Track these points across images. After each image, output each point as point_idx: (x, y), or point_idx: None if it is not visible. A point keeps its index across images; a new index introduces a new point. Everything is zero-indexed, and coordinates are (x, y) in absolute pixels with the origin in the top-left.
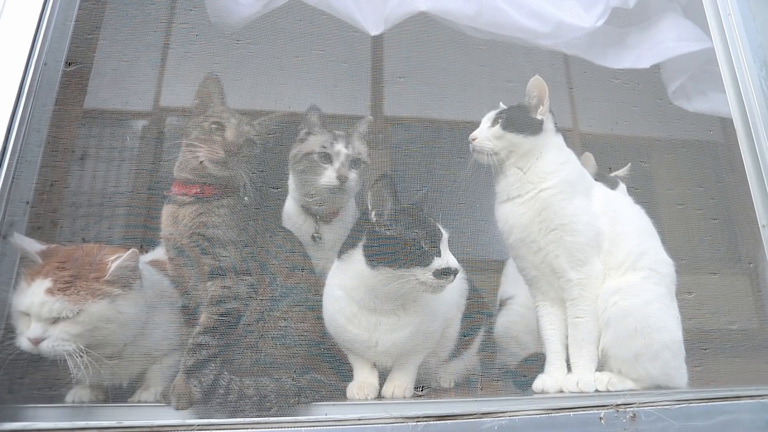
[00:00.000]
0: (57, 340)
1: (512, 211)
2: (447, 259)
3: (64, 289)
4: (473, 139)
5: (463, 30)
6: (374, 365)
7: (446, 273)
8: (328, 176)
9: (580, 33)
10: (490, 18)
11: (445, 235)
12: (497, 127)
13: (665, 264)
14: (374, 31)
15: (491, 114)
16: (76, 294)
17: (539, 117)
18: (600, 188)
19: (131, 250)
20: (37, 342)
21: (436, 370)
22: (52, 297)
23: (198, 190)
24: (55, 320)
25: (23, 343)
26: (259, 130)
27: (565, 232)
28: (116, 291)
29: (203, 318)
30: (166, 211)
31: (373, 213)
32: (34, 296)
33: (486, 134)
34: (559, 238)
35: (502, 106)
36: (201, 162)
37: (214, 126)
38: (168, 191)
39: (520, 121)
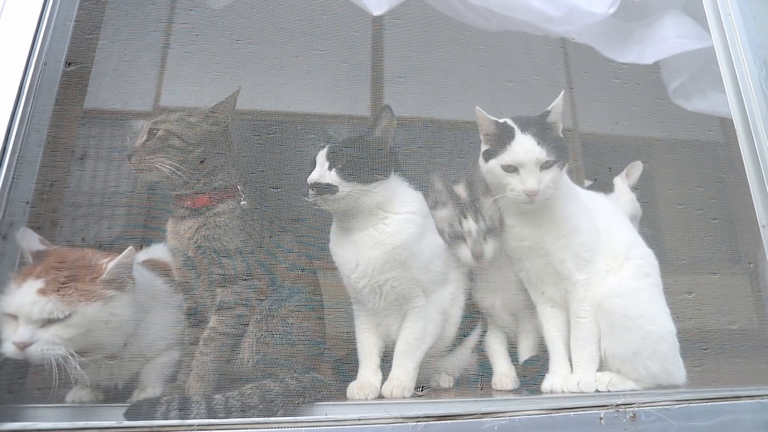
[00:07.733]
0: (46, 344)
1: (528, 222)
2: (314, 172)
3: (57, 290)
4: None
5: (469, 20)
6: (378, 367)
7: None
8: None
9: (592, 20)
10: None
11: (326, 147)
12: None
13: (650, 256)
14: (377, 11)
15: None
16: (70, 295)
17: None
18: (579, 189)
19: (128, 248)
20: (23, 346)
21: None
22: (45, 297)
23: (189, 202)
24: (45, 323)
25: (8, 348)
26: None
27: (574, 235)
28: (110, 293)
29: (213, 322)
30: (169, 225)
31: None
32: (25, 296)
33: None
34: (569, 242)
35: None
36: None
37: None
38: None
39: None
